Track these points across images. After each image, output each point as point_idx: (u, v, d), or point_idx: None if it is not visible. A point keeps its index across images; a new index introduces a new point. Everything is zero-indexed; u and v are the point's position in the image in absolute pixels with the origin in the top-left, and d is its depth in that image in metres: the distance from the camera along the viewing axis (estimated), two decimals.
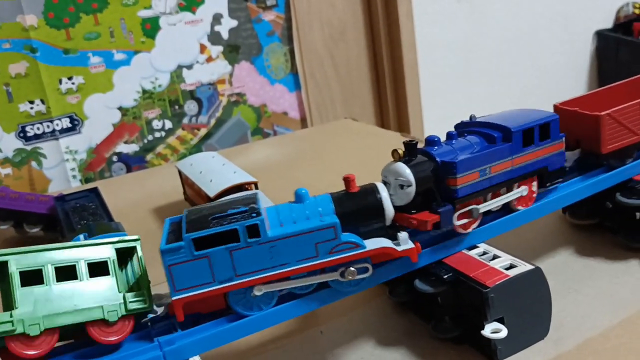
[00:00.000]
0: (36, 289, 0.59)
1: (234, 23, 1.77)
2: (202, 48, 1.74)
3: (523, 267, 0.70)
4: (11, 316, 0.57)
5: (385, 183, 0.69)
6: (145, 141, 1.73)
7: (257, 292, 0.63)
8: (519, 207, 0.77)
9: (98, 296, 0.61)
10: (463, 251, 0.75)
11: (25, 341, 0.57)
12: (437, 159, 0.70)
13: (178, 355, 0.62)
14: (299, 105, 1.91)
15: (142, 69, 1.67)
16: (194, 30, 1.72)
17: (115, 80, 1.66)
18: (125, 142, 1.71)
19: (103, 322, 0.61)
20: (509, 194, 0.76)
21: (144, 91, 1.69)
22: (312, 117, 1.92)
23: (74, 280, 0.60)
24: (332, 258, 0.64)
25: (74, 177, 1.67)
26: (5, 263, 0.59)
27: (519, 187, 0.76)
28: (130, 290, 0.64)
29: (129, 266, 0.66)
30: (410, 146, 0.69)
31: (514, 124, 0.74)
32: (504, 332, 0.66)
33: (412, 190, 0.68)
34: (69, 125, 1.63)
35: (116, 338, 0.61)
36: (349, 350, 0.77)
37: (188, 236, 0.60)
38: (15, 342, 0.57)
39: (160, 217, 1.31)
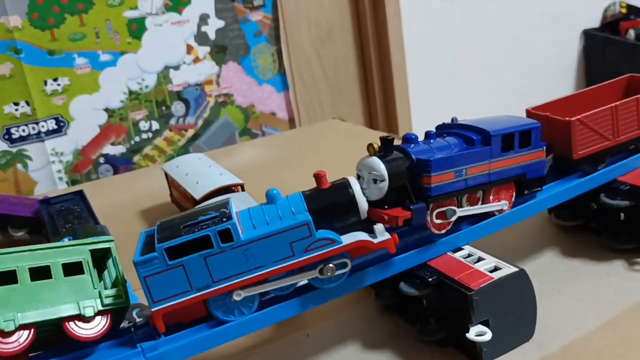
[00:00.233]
0: (10, 288, 0.59)
1: (220, 23, 1.76)
2: (189, 49, 1.73)
3: (508, 269, 0.70)
4: None
5: (359, 177, 0.69)
6: (132, 142, 1.72)
7: (236, 297, 0.63)
8: (496, 212, 0.77)
9: (73, 293, 0.61)
10: (448, 253, 0.75)
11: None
12: (413, 156, 0.70)
13: None
14: (286, 106, 1.90)
15: (129, 70, 1.66)
16: (181, 30, 1.71)
17: (101, 81, 1.65)
18: (112, 144, 1.69)
19: (79, 318, 0.60)
20: (488, 205, 0.75)
21: (131, 92, 1.68)
22: (300, 117, 1.92)
23: (49, 280, 0.60)
24: (308, 256, 0.63)
25: (60, 179, 1.65)
26: None
27: (498, 195, 0.76)
28: (106, 288, 0.64)
29: (104, 267, 0.66)
30: (386, 141, 0.69)
31: (494, 128, 0.73)
32: (488, 335, 0.66)
33: (385, 185, 0.67)
34: (55, 126, 1.62)
35: (93, 334, 0.61)
36: (334, 353, 0.76)
37: (160, 246, 0.60)
38: None
39: (147, 219, 1.30)
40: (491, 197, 0.76)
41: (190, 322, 0.65)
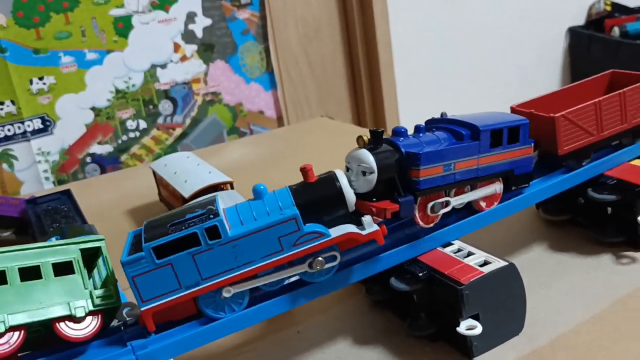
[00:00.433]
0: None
1: (208, 22, 1.75)
2: (176, 47, 1.73)
3: (497, 263, 0.70)
4: None
5: (348, 169, 0.69)
6: (120, 142, 1.71)
7: (226, 293, 0.63)
8: (484, 208, 0.77)
9: (64, 293, 0.60)
10: (438, 248, 0.76)
11: None
12: (402, 150, 0.70)
13: (151, 359, 0.62)
14: (274, 104, 1.90)
15: (115, 69, 1.65)
16: (168, 29, 1.70)
17: (88, 80, 1.64)
18: (99, 143, 1.68)
19: (70, 319, 0.60)
20: (475, 191, 0.76)
21: (117, 91, 1.67)
22: (289, 115, 1.92)
23: (39, 280, 0.60)
24: (297, 250, 0.63)
25: (47, 179, 1.64)
26: None
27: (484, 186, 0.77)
28: (97, 288, 0.64)
29: (95, 266, 0.66)
30: (376, 134, 0.69)
31: (483, 124, 0.74)
32: (479, 329, 0.66)
33: (374, 177, 0.67)
34: (41, 126, 1.60)
35: (84, 334, 0.60)
36: (325, 349, 0.76)
37: (147, 245, 0.60)
38: None
39: (135, 219, 1.29)
40: None
41: (181, 320, 0.65)
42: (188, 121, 1.78)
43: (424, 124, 0.78)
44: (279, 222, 0.63)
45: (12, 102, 1.56)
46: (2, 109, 1.56)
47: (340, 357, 0.75)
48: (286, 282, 0.67)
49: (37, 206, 1.17)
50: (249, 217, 0.64)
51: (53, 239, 0.90)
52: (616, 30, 2.41)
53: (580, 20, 2.61)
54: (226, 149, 1.70)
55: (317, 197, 0.66)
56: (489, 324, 0.68)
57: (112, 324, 0.67)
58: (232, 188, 1.12)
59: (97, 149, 1.68)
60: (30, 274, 0.60)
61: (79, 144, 1.66)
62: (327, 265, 0.66)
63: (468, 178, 0.74)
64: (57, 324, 0.59)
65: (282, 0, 1.84)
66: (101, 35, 1.62)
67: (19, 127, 1.58)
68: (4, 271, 0.58)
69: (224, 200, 1.03)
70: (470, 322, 0.67)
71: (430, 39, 2.19)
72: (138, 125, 1.72)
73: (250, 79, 1.85)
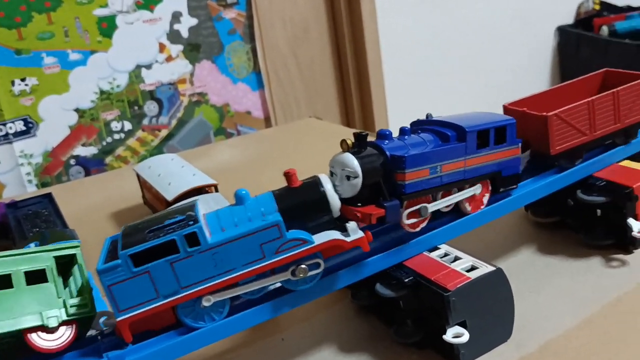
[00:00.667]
0: None
1: (193, 21, 1.73)
2: (162, 47, 1.70)
3: (484, 268, 0.69)
4: None
5: (332, 174, 0.67)
6: (104, 143, 1.68)
7: (205, 302, 0.61)
8: (469, 211, 0.76)
9: (36, 303, 0.58)
10: (424, 253, 0.74)
11: None
12: (387, 153, 0.68)
13: None
14: (262, 105, 1.88)
15: (99, 69, 1.63)
16: (153, 29, 1.68)
17: (71, 81, 1.61)
18: (83, 145, 1.66)
19: (43, 329, 0.58)
20: (460, 193, 0.74)
21: (102, 92, 1.65)
22: (276, 116, 1.90)
23: (10, 289, 0.58)
24: (279, 257, 0.62)
25: (30, 181, 1.61)
26: None
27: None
28: (72, 296, 0.62)
29: (71, 274, 0.64)
30: (360, 137, 0.67)
31: (469, 125, 0.72)
32: (466, 337, 0.65)
33: (359, 182, 0.66)
34: (23, 128, 1.58)
35: (57, 345, 0.58)
36: (310, 357, 0.75)
37: (124, 253, 0.58)
38: None
39: (119, 222, 1.27)
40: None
41: (159, 330, 0.63)
42: (174, 122, 1.76)
43: (409, 125, 0.77)
44: (261, 229, 0.61)
45: None
46: None
47: None
48: (268, 290, 0.66)
49: (17, 210, 1.14)
50: (230, 223, 0.63)
51: (32, 244, 0.88)
52: (605, 30, 2.41)
53: (569, 19, 2.61)
54: (213, 150, 1.68)
55: (300, 203, 0.64)
56: (476, 330, 0.67)
57: (88, 334, 0.65)
58: (216, 191, 1.10)
59: (81, 151, 1.66)
60: (1, 282, 0.58)
61: (63, 146, 1.63)
62: (310, 273, 0.64)
63: (455, 180, 0.73)
64: (28, 334, 0.57)
65: (269, 0, 1.82)
66: (85, 35, 1.59)
67: (0, 130, 1.55)
68: None
69: (209, 204, 1.02)
70: (457, 329, 0.66)
71: (419, 39, 2.18)
72: (123, 126, 1.69)
73: (237, 79, 1.82)
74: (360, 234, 0.65)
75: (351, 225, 0.65)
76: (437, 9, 2.20)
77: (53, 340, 0.59)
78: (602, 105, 0.82)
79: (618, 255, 0.83)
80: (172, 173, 1.15)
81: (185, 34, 1.73)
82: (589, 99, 0.81)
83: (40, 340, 0.58)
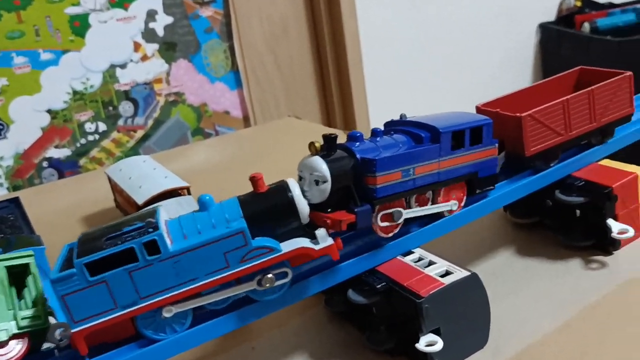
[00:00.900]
0: None
1: (169, 20, 1.70)
2: (136, 46, 1.67)
3: (459, 273, 0.66)
4: None
5: (300, 178, 0.65)
6: (78, 145, 1.64)
7: (166, 313, 0.58)
8: (446, 213, 0.74)
9: None
10: (398, 257, 0.71)
11: None
12: (358, 155, 0.65)
13: None
14: (240, 104, 1.85)
15: (72, 69, 1.59)
16: (127, 27, 1.65)
17: (43, 81, 1.57)
18: (56, 147, 1.62)
19: None
20: (437, 205, 0.72)
21: (75, 92, 1.61)
22: (255, 115, 1.87)
23: None
24: (244, 267, 0.59)
25: (1, 184, 1.57)
26: None
27: (448, 195, 0.73)
28: (25, 308, 0.59)
29: (27, 284, 0.61)
30: (329, 140, 0.64)
31: (444, 125, 0.70)
32: (439, 345, 0.62)
33: (328, 186, 0.63)
34: None
35: None
36: None
37: (79, 261, 0.55)
38: None
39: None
40: (441, 197, 0.72)
41: (118, 342, 0.60)
42: (150, 123, 1.72)
43: (382, 127, 0.74)
44: (225, 236, 0.58)
45: None
46: None
47: None
48: (234, 299, 0.63)
49: None
50: (193, 230, 0.60)
51: None
52: (586, 26, 2.40)
53: (550, 16, 2.60)
54: (190, 151, 1.65)
55: (267, 209, 0.62)
56: (450, 338, 0.64)
57: (44, 347, 0.62)
58: (189, 193, 1.07)
59: (54, 153, 1.62)
60: None
61: (35, 148, 1.59)
62: (277, 283, 0.61)
63: (429, 183, 0.70)
64: None
65: None
66: (56, 34, 1.55)
67: None
68: None
69: (179, 208, 0.98)
70: (431, 337, 0.63)
71: (400, 36, 2.16)
72: (97, 127, 1.65)
73: (215, 79, 1.79)
74: (330, 241, 0.62)
75: (320, 232, 0.62)
76: (418, 7, 2.18)
77: (3, 355, 0.56)
78: (577, 104, 0.80)
79: (598, 256, 0.81)
80: (144, 176, 1.12)
81: (160, 32, 1.69)
82: (564, 99, 0.79)
83: None
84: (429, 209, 0.71)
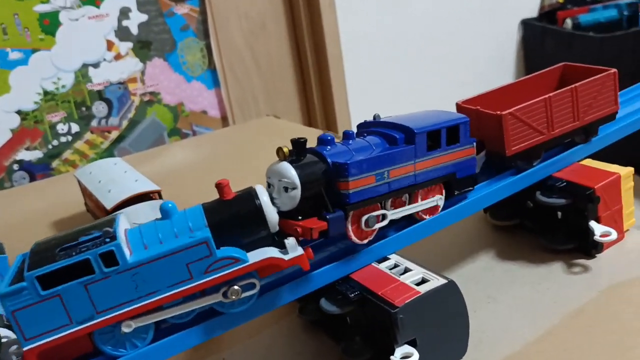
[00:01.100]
0: None
1: (143, 17, 1.65)
2: (110, 45, 1.62)
3: (436, 281, 0.63)
4: None
5: (269, 185, 0.61)
6: (50, 147, 1.59)
7: (125, 328, 0.55)
8: (424, 217, 0.71)
9: None
10: (373, 264, 0.68)
11: None
12: (329, 160, 0.62)
13: None
14: (219, 103, 1.81)
15: (42, 69, 1.54)
16: (99, 25, 1.60)
17: (12, 81, 1.52)
18: (27, 149, 1.57)
19: None
20: (416, 204, 0.69)
21: (46, 92, 1.56)
22: (234, 115, 1.83)
23: None
24: (208, 278, 0.56)
25: None
26: None
27: (425, 198, 0.70)
28: None
29: None
30: (298, 144, 0.61)
31: (419, 125, 0.67)
32: (415, 357, 0.59)
33: (297, 193, 0.60)
34: None
35: None
36: None
37: (30, 275, 0.52)
38: None
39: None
40: (418, 201, 0.69)
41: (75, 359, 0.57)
42: (125, 123, 1.68)
43: (356, 128, 0.71)
44: (187, 247, 0.55)
45: None
46: None
47: None
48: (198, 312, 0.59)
49: None
50: (154, 240, 0.56)
51: None
52: (569, 23, 2.39)
53: (533, 12, 2.58)
54: (167, 152, 1.61)
55: (233, 217, 0.58)
56: (427, 349, 0.61)
57: None
58: (160, 197, 1.03)
59: (25, 155, 1.57)
60: None
61: (4, 150, 1.54)
62: (244, 294, 0.58)
63: (405, 186, 0.67)
64: None
65: None
66: (25, 33, 1.51)
67: None
68: None
69: (149, 213, 0.94)
70: (406, 349, 0.60)
71: (381, 34, 2.13)
72: (70, 128, 1.61)
73: (192, 78, 1.75)
74: (300, 251, 0.59)
75: (290, 241, 0.59)
76: (399, 2, 2.15)
77: None
78: (560, 102, 0.77)
79: (580, 260, 0.79)
80: (114, 179, 1.08)
81: (134, 30, 1.65)
82: (546, 96, 0.76)
83: None
84: (409, 209, 0.68)
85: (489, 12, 2.42)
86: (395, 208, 0.68)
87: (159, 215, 0.60)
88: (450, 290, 0.63)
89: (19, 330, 0.53)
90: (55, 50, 1.55)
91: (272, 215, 0.59)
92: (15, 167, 1.56)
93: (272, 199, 0.60)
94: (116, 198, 1.00)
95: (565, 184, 0.79)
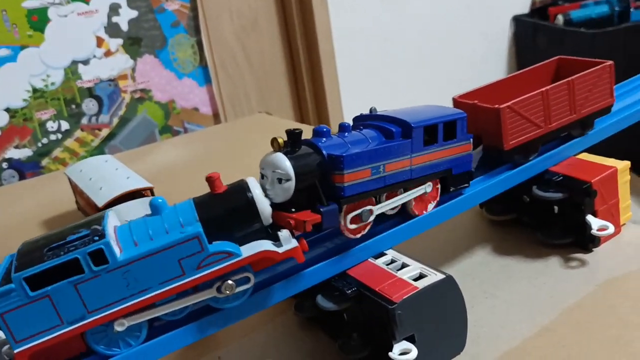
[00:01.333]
0: None
1: (133, 13, 1.63)
2: (99, 41, 1.60)
3: (433, 276, 0.63)
4: None
5: (262, 176, 0.60)
6: (40, 145, 1.57)
7: (118, 327, 0.54)
8: (418, 213, 0.70)
9: None
10: (370, 260, 0.68)
11: None
12: (324, 152, 0.61)
13: None
14: (210, 100, 1.79)
15: (31, 66, 1.52)
16: (89, 21, 1.58)
17: (0, 78, 1.50)
18: (16, 147, 1.55)
19: None
20: (406, 194, 0.68)
21: (35, 90, 1.54)
22: (226, 112, 1.82)
23: None
24: (201, 274, 0.55)
25: None
26: None
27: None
28: None
29: None
30: (293, 135, 0.60)
31: (415, 120, 0.66)
32: (414, 353, 0.59)
33: (292, 185, 0.59)
34: None
35: None
36: None
37: (18, 276, 0.50)
38: None
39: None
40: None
41: None
42: (116, 121, 1.66)
43: (352, 121, 0.70)
44: (179, 242, 0.54)
45: None
46: None
47: None
48: (193, 309, 0.58)
49: None
50: (145, 236, 0.55)
51: None
52: (560, 19, 2.39)
53: (524, 8, 2.58)
54: (158, 150, 1.59)
55: (225, 211, 0.57)
56: (425, 345, 0.60)
57: None
58: (152, 195, 1.02)
59: (14, 153, 1.55)
60: None
61: None
62: (238, 289, 0.57)
63: (400, 181, 0.66)
64: None
65: None
66: (13, 29, 1.48)
67: None
68: None
69: (140, 210, 0.93)
70: (405, 345, 0.59)
71: (373, 30, 2.12)
72: (60, 126, 1.59)
73: (183, 74, 1.74)
74: (294, 243, 0.58)
75: (283, 234, 0.58)
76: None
77: None
78: (556, 95, 0.77)
79: (577, 254, 0.78)
80: (105, 177, 1.06)
81: (124, 27, 1.63)
82: (543, 89, 0.75)
83: None
84: (400, 199, 0.67)
85: (481, 9, 2.42)
86: None
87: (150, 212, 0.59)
88: (449, 286, 0.62)
89: (9, 332, 0.52)
90: (44, 47, 1.53)
91: (264, 207, 0.58)
92: (5, 165, 1.54)
93: (265, 190, 0.59)
94: (108, 195, 0.98)
95: (561, 178, 0.78)
